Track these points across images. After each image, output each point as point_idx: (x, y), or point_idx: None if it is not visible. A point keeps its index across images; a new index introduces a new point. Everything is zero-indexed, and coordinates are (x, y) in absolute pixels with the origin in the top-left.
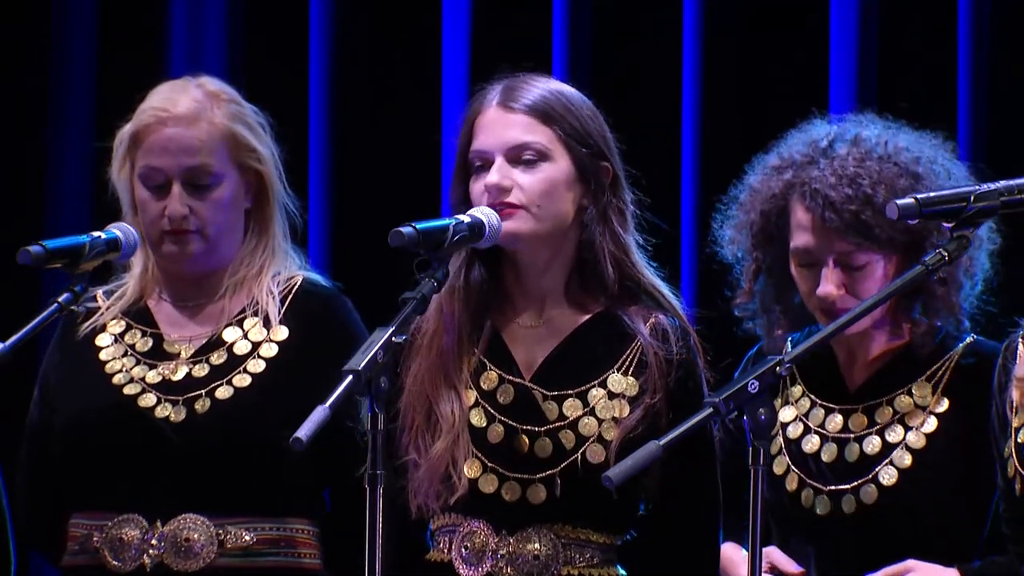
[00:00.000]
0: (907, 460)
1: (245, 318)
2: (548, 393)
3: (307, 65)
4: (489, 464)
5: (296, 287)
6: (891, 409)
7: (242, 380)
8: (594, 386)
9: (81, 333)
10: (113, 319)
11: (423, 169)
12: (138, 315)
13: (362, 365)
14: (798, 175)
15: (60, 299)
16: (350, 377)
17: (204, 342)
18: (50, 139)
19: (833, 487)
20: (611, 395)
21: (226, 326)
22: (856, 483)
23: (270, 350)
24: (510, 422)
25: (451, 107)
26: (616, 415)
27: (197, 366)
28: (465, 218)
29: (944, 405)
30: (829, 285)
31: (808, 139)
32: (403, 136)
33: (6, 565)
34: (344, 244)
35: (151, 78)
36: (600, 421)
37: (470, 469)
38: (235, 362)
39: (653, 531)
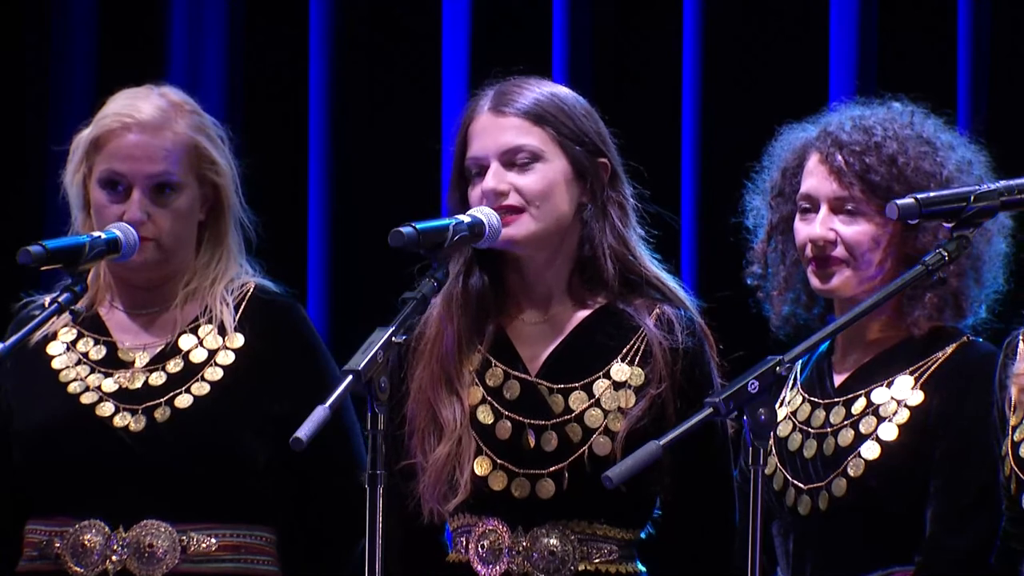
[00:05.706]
0: (875, 451)
1: (199, 325)
2: (554, 387)
3: (307, 65)
4: (498, 461)
5: (249, 294)
6: (866, 400)
7: (201, 388)
8: (599, 377)
9: (32, 341)
10: (64, 327)
11: (423, 170)
12: (89, 323)
13: (362, 365)
14: (820, 129)
15: (60, 299)
16: (350, 377)
17: (159, 350)
18: (50, 139)
19: (812, 484)
20: (616, 385)
21: (181, 334)
22: (830, 478)
23: (227, 357)
24: (517, 417)
25: (451, 108)
26: (622, 405)
27: (154, 374)
28: (465, 218)
29: (919, 398)
30: (819, 228)
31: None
32: (403, 137)
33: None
34: (344, 244)
35: (151, 78)
36: (606, 412)
37: (480, 467)
38: (192, 370)
39: (666, 526)
